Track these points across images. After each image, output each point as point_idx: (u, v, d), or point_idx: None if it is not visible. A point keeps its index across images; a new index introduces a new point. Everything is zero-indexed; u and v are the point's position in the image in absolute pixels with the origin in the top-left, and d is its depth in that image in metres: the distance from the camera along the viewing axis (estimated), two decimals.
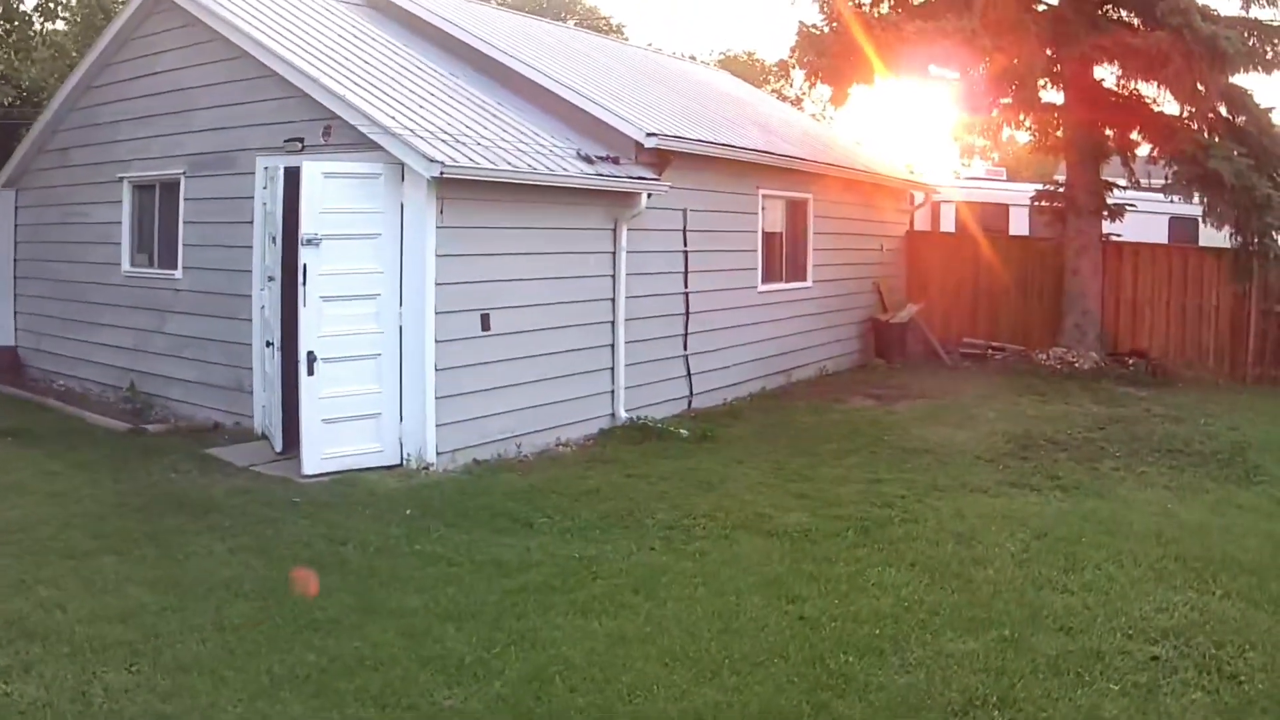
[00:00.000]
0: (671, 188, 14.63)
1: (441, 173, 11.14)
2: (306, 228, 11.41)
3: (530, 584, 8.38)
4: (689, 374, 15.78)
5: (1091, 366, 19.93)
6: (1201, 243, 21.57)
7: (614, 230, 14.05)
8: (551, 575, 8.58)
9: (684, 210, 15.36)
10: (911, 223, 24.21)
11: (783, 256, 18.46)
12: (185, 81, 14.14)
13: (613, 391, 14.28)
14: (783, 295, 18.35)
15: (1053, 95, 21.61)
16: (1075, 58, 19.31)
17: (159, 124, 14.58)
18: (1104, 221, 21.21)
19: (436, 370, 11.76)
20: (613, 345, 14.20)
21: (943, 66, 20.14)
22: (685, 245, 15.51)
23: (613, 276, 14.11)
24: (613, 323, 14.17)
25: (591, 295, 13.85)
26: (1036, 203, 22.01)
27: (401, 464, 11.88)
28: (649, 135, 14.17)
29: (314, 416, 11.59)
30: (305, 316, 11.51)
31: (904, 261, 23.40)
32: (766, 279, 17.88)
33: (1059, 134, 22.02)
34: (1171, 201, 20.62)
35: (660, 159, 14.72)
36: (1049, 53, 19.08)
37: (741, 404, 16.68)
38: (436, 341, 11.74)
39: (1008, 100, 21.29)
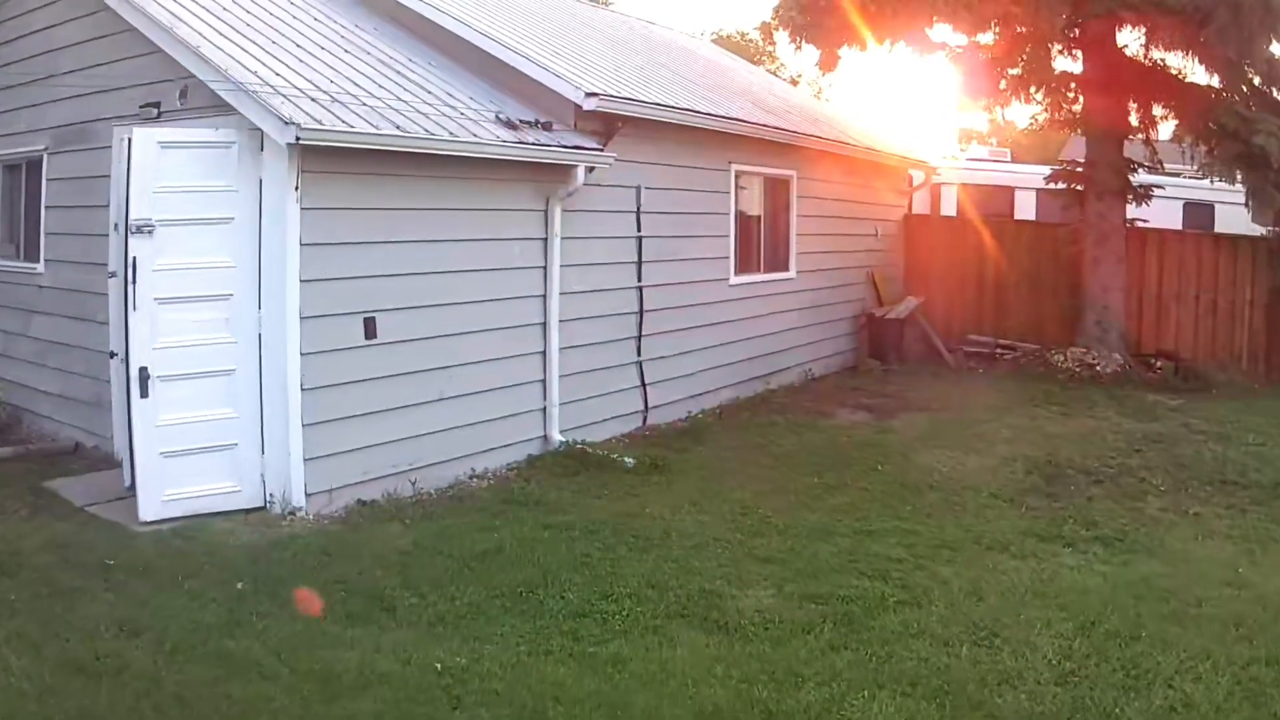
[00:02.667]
0: (620, 160, 12.03)
1: (298, 137, 8.56)
2: (136, 211, 8.97)
3: (358, 718, 5.81)
4: (643, 384, 13.23)
5: (1115, 370, 17.68)
6: (1217, 229, 19.98)
7: (545, 212, 11.48)
8: (393, 703, 6.00)
9: (637, 188, 12.80)
10: (910, 206, 21.71)
11: (760, 243, 15.89)
12: (54, 42, 11.65)
13: (544, 409, 11.72)
14: (760, 288, 15.80)
15: (1066, 65, 19.30)
16: (1101, 16, 16.64)
17: (26, 94, 12.07)
18: (1128, 205, 18.84)
19: (303, 390, 9.27)
20: (544, 353, 11.65)
21: (944, 26, 17.76)
22: (639, 230, 12.94)
23: (543, 269, 11.55)
24: (543, 325, 11.62)
25: (516, 291, 11.29)
26: (1052, 183, 19.62)
27: (265, 506, 9.42)
28: (588, 96, 11.57)
29: (150, 448, 9.14)
30: (135, 323, 9.05)
31: (901, 249, 20.95)
32: (741, 269, 15.33)
33: (1076, 108, 19.51)
34: (1186, 184, 19.04)
35: (606, 126, 12.18)
36: (1063, 17, 16.41)
37: (707, 419, 14.12)
38: (302, 354, 9.25)
39: (1017, 71, 18.89)
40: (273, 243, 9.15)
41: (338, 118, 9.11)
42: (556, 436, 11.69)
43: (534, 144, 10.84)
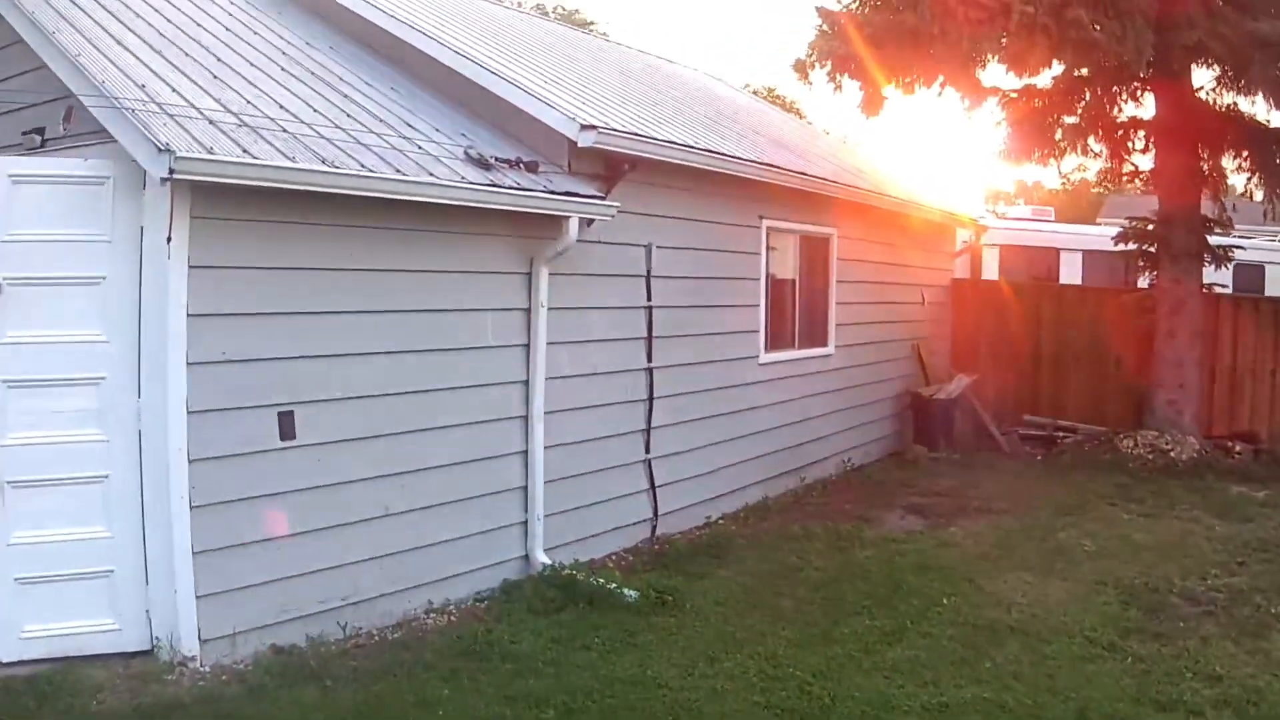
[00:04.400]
0: (625, 212, 9.73)
1: (172, 169, 6.23)
2: None
3: None
4: (652, 486, 10.86)
5: (1191, 457, 15.38)
6: (1268, 291, 19.18)
7: (528, 275, 9.16)
8: None
9: (647, 247, 10.49)
10: (976, 269, 19.54)
11: (795, 313, 13.53)
12: None
13: (525, 524, 9.34)
14: (795, 367, 13.43)
15: (1129, 112, 17.17)
16: (1188, 47, 14.32)
17: None
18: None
19: (192, 508, 6.95)
20: (525, 453, 9.28)
21: (999, 68, 15.65)
22: (649, 298, 10.60)
23: (526, 347, 9.21)
24: (525, 419, 9.26)
25: (488, 377, 8.95)
26: (1121, 244, 17.39)
27: (152, 649, 7.11)
28: (584, 129, 9.21)
29: (1, 573, 6.94)
30: None
31: (948, 317, 18.60)
32: (773, 345, 12.96)
33: (1138, 159, 17.57)
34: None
35: (609, 169, 9.89)
36: (1150, 47, 14.09)
37: (730, 527, 11.69)
38: (191, 460, 6.94)
39: (1074, 119, 16.92)
40: (154, 312, 6.87)
41: (238, 145, 6.80)
42: (540, 557, 9.31)
43: (513, 189, 8.47)
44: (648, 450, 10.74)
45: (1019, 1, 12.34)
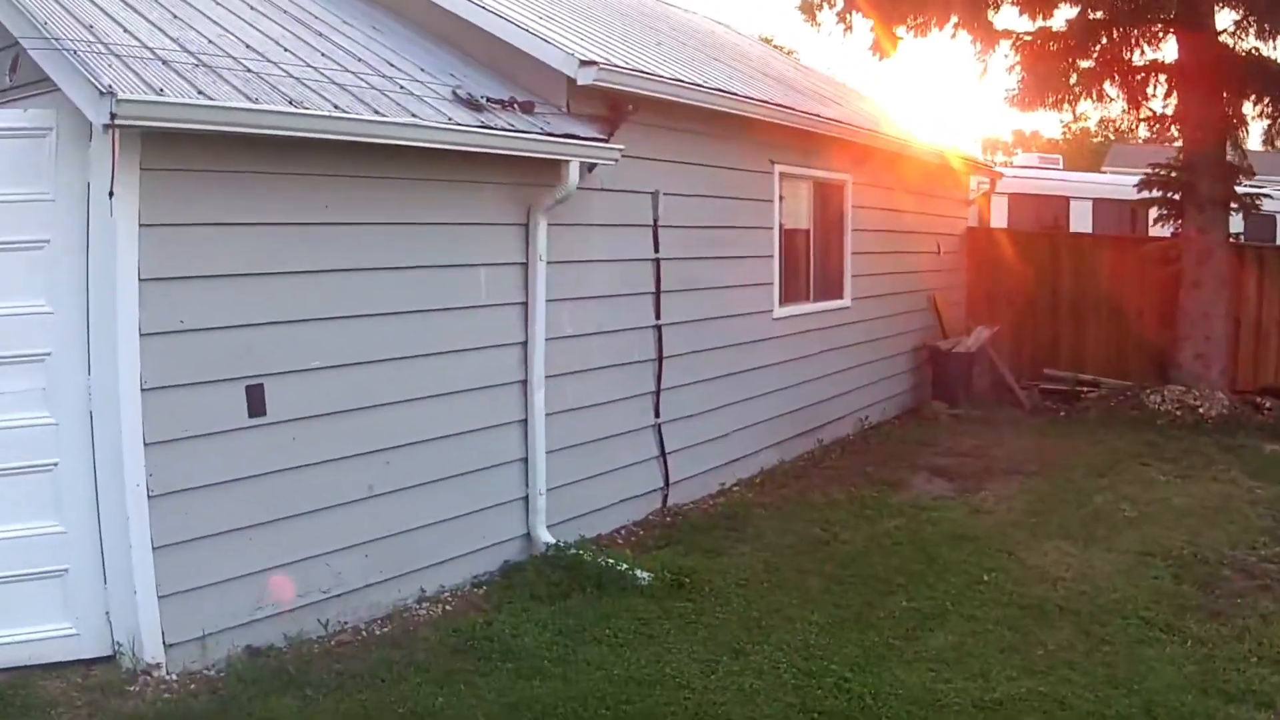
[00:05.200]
0: (629, 156, 8.85)
1: (114, 114, 5.37)
2: None
3: None
4: (663, 453, 10.06)
5: (1220, 413, 14.76)
6: None
7: (525, 227, 8.27)
8: None
9: (654, 194, 9.63)
10: (984, 218, 18.68)
11: (810, 265, 12.67)
12: None
13: (526, 499, 8.52)
14: (811, 321, 12.60)
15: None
16: None
17: None
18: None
19: (150, 497, 6.12)
20: (525, 422, 8.45)
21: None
22: (656, 250, 9.75)
23: (523, 305, 8.35)
24: (524, 384, 8.42)
25: (482, 339, 8.09)
26: (1145, 191, 16.42)
27: (114, 655, 6.31)
28: (584, 65, 8.31)
29: None
30: None
31: (964, 266, 17.77)
32: (787, 298, 12.11)
33: (1156, 105, 16.70)
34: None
35: (611, 110, 9.00)
36: None
37: (747, 495, 10.92)
38: (147, 444, 6.11)
39: (1088, 64, 16.19)
40: (102, 278, 6.02)
41: (194, 87, 5.93)
42: (543, 536, 8.50)
43: (506, 130, 7.58)
44: (657, 414, 9.92)
45: None
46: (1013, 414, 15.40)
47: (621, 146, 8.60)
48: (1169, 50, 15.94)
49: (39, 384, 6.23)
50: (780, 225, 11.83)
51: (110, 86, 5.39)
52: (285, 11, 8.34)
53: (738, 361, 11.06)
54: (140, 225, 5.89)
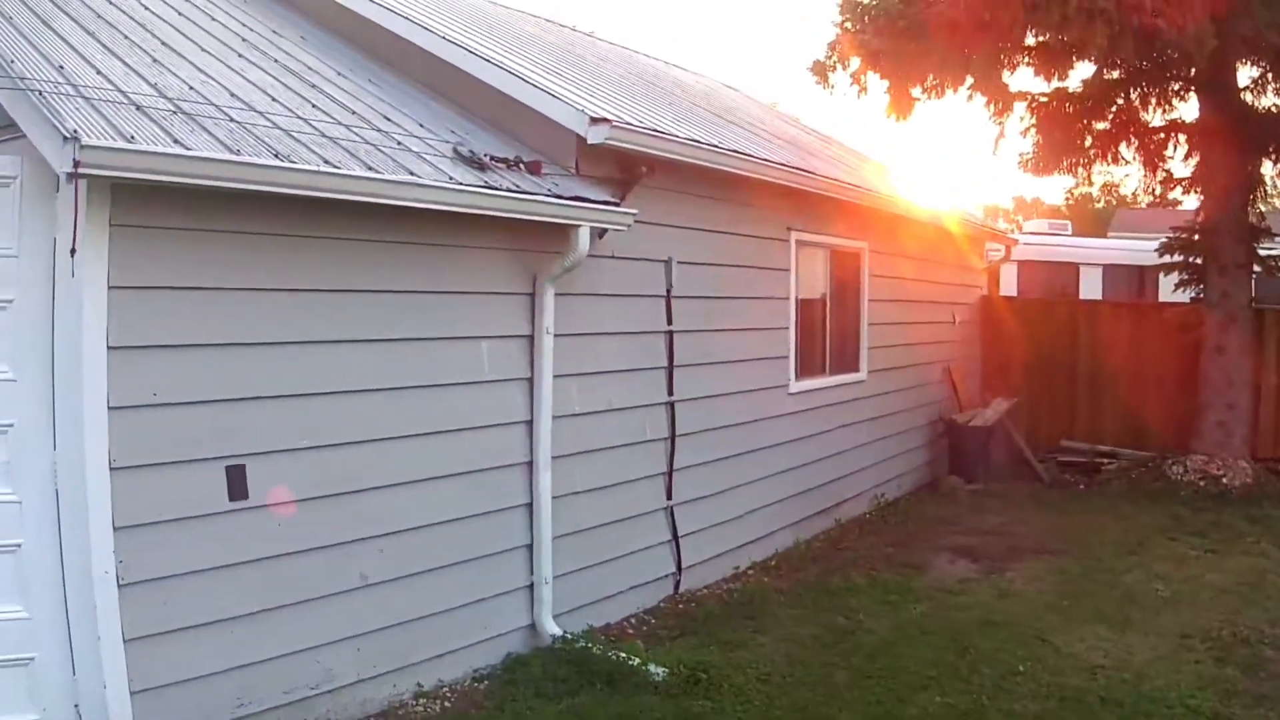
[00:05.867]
0: (641, 222, 8.32)
1: (77, 162, 4.83)
2: None
3: None
4: (675, 536, 9.45)
5: (1245, 482, 14.28)
6: None
7: (531, 297, 7.72)
8: None
9: (667, 262, 9.11)
10: (994, 285, 18.22)
11: (826, 336, 12.13)
12: None
13: (530, 587, 7.89)
14: (827, 395, 12.04)
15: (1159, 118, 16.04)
16: (1248, 38, 13.02)
17: None
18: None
19: (120, 586, 5.52)
20: (530, 505, 7.85)
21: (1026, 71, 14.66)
22: (669, 321, 9.20)
23: (529, 381, 7.77)
24: (529, 464, 7.82)
25: (485, 417, 7.50)
26: (1167, 255, 15.93)
27: None
28: (595, 123, 7.79)
29: None
30: None
31: (979, 335, 17.30)
32: (803, 372, 11.54)
33: (1173, 166, 16.30)
34: None
35: (623, 172, 8.46)
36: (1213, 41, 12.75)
37: (762, 579, 10.30)
38: (116, 528, 5.51)
39: (1104, 125, 15.81)
40: (67, 343, 5.45)
41: (169, 135, 5.39)
42: (549, 626, 7.87)
43: (511, 192, 7.04)
44: (669, 496, 9.32)
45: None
46: (1032, 489, 14.82)
47: (635, 211, 8.07)
48: (1187, 110, 15.62)
49: (0, 457, 5.66)
50: (796, 295, 11.29)
51: (75, 131, 4.86)
52: (275, 60, 7.88)
53: (752, 439, 10.48)
54: (109, 287, 5.35)
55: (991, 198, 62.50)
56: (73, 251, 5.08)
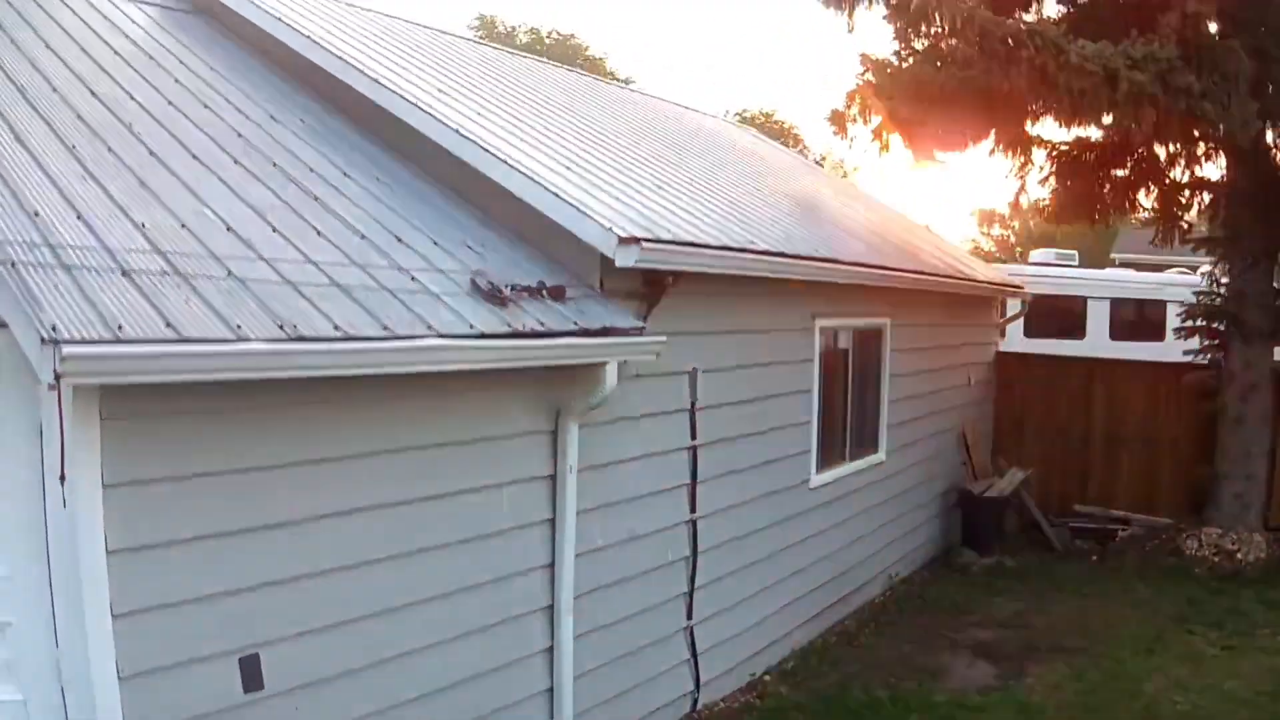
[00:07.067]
0: (666, 331, 7.74)
1: (58, 374, 4.23)
2: None
3: None
4: (694, 655, 8.96)
5: (1259, 557, 14.03)
6: None
7: (553, 435, 7.17)
8: None
9: (691, 373, 8.58)
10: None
11: (847, 421, 11.62)
12: None
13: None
14: (846, 484, 11.55)
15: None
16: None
17: None
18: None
19: None
20: (551, 650, 7.33)
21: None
22: (693, 436, 8.67)
23: (551, 522, 7.24)
24: (551, 609, 7.30)
25: (506, 567, 6.95)
26: (1188, 320, 15.58)
27: None
28: (623, 244, 7.19)
29: None
30: None
31: (993, 395, 16.85)
32: (824, 463, 11.03)
33: (1212, 219, 15.74)
34: None
35: (650, 285, 7.88)
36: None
37: (780, 690, 9.82)
38: None
39: (1123, 172, 15.70)
40: (62, 547, 4.90)
41: (161, 313, 4.73)
42: None
43: (536, 335, 6.44)
44: (689, 616, 8.82)
45: (1126, 67, 10.51)
46: (1046, 561, 14.50)
47: (664, 339, 7.47)
48: (1210, 167, 15.21)
49: (1, 656, 5.15)
50: (819, 382, 10.78)
51: (54, 328, 4.24)
52: (275, 164, 7.25)
53: (772, 542, 10.00)
54: (104, 486, 4.78)
55: (987, 202, 61.85)
56: (61, 478, 4.50)
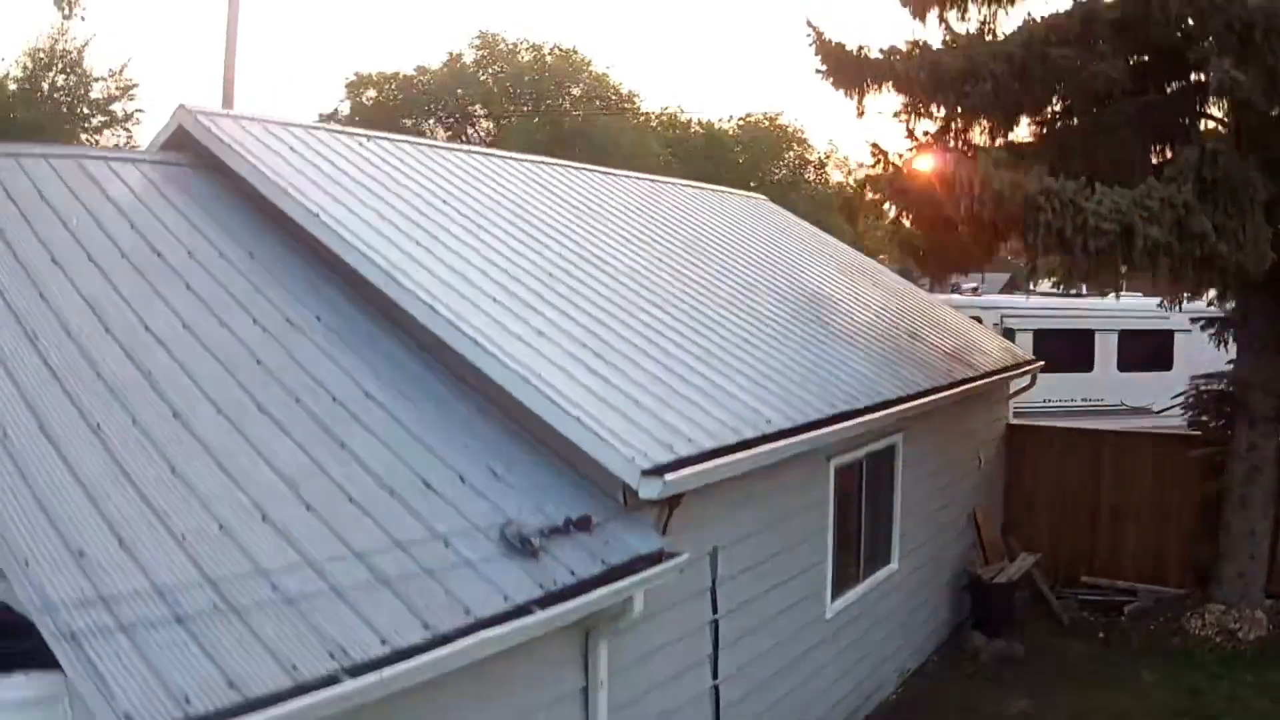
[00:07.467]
0: (687, 522, 8.06)
1: None
2: None
3: None
4: None
5: (1260, 636, 14.28)
6: None
7: (585, 656, 7.38)
8: None
9: (712, 554, 8.81)
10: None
11: (860, 542, 11.85)
12: None
13: None
14: (861, 604, 11.81)
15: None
16: None
17: None
18: None
19: None
20: None
21: None
22: (715, 610, 8.92)
23: None
24: None
25: None
26: (1193, 413, 16.27)
27: None
28: (646, 476, 7.40)
29: None
30: None
31: (1001, 468, 17.07)
32: (839, 590, 11.29)
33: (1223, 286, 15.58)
34: None
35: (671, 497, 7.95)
36: None
37: None
38: None
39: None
40: None
41: (218, 666, 4.90)
42: None
43: (569, 594, 6.61)
44: None
45: (1143, 220, 10.68)
46: (1054, 641, 14.76)
47: (687, 556, 7.68)
48: None
49: None
50: (833, 517, 10.98)
51: (128, 717, 4.45)
52: (297, 399, 7.30)
53: (791, 678, 10.27)
54: None
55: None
56: None
